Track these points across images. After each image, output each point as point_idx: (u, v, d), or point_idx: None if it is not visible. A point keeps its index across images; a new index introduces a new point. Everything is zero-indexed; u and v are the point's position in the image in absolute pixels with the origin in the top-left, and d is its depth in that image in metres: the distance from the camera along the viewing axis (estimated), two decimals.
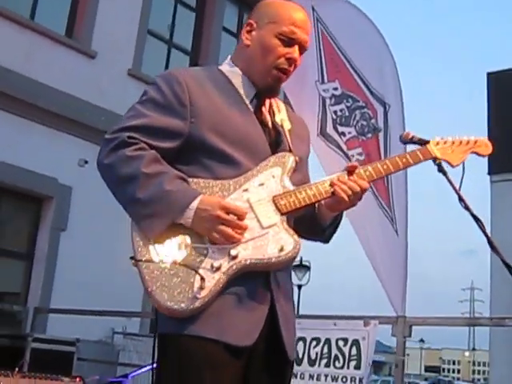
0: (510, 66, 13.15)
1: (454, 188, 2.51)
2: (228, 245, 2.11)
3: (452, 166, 2.49)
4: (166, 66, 11.47)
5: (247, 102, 2.35)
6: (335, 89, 4.56)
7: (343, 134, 4.53)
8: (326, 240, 2.56)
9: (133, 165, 2.14)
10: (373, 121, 4.50)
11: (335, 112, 4.54)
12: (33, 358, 6.21)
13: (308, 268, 21.74)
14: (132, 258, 2.11)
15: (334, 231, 2.52)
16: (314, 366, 4.52)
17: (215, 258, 2.11)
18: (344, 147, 4.50)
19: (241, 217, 2.13)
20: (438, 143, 2.49)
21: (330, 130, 4.54)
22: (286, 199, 2.22)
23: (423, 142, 2.52)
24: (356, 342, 4.36)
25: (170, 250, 2.09)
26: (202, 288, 2.06)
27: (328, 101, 4.54)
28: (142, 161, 2.15)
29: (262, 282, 2.20)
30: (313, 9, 4.54)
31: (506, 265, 2.44)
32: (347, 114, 4.53)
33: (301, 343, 4.60)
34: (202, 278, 2.05)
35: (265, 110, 2.40)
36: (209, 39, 11.91)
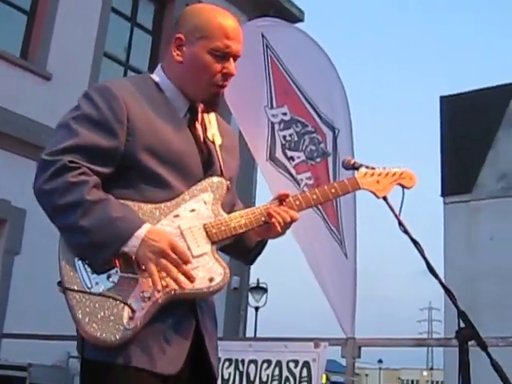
0: (462, 90, 13.46)
1: (394, 213, 2.58)
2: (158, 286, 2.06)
3: (377, 197, 2.53)
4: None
5: (181, 116, 2.32)
6: (284, 114, 4.61)
7: (292, 158, 4.59)
8: (250, 262, 2.59)
9: (76, 192, 2.07)
10: (322, 145, 4.57)
11: (284, 137, 4.60)
12: None
13: (265, 290, 21.75)
14: (59, 283, 2.07)
15: (259, 254, 2.54)
16: None
17: (145, 287, 2.08)
18: (293, 171, 4.55)
19: (180, 256, 2.09)
20: (365, 174, 2.54)
21: (279, 154, 4.59)
22: (217, 228, 2.23)
23: (359, 167, 2.59)
24: (306, 364, 4.39)
25: (101, 277, 2.07)
26: (131, 318, 2.04)
27: (277, 126, 4.59)
28: (86, 187, 2.08)
29: (188, 307, 2.21)
30: (262, 35, 4.60)
31: (446, 289, 2.51)
32: (296, 138, 4.59)
33: (252, 366, 4.61)
34: (132, 310, 2.04)
35: (198, 124, 2.37)
36: None
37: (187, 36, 2.27)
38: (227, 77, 2.31)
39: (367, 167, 2.60)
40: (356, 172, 2.59)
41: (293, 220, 2.34)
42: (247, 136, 4.64)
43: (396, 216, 2.57)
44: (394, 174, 2.58)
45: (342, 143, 4.58)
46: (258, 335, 19.43)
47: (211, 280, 2.16)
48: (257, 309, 21.32)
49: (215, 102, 2.36)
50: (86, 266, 2.09)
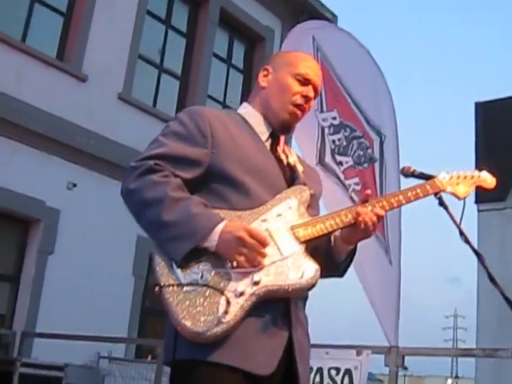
0: (498, 96, 13.32)
1: (455, 222, 2.54)
2: (250, 269, 2.13)
3: (459, 199, 2.57)
4: (156, 91, 11.50)
5: (263, 139, 2.44)
6: (334, 118, 4.59)
7: (341, 163, 4.57)
8: (341, 274, 2.59)
9: (159, 189, 2.18)
10: (369, 151, 4.53)
11: (333, 141, 4.58)
12: (21, 382, 6.13)
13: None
14: (156, 285, 2.11)
15: (349, 265, 2.55)
16: None
17: (238, 282, 2.12)
18: (341, 176, 4.53)
19: (263, 242, 2.16)
20: (444, 177, 2.57)
21: (328, 159, 4.58)
22: (303, 229, 2.27)
23: (426, 177, 2.58)
24: (348, 372, 4.35)
25: (194, 275, 2.12)
26: (226, 312, 2.07)
27: (327, 130, 4.58)
28: (169, 185, 2.19)
29: (281, 310, 2.22)
30: (313, 38, 4.59)
31: (507, 300, 2.45)
32: (345, 143, 4.57)
33: None
34: (228, 302, 2.06)
35: (280, 149, 2.48)
36: (199, 64, 11.94)
37: (274, 66, 2.53)
38: (307, 99, 2.47)
39: (428, 175, 2.59)
40: (400, 178, 2.60)
41: (379, 217, 2.36)
42: (298, 140, 4.63)
43: (457, 225, 2.54)
44: (472, 176, 2.63)
45: (388, 149, 4.55)
46: None
47: (302, 276, 2.17)
48: None
49: (292, 123, 2.49)
50: (176, 266, 2.15)
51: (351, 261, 2.55)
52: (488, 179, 2.66)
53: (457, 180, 2.59)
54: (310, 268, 2.20)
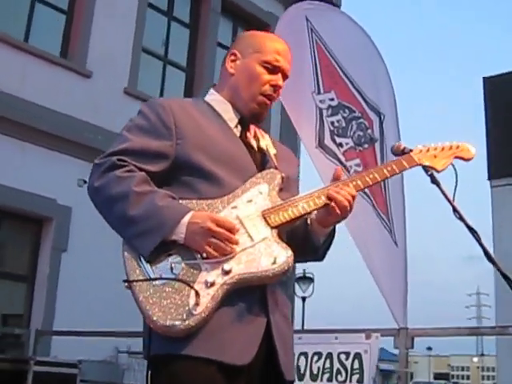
0: (506, 70, 13.15)
1: (448, 199, 2.49)
2: (220, 259, 2.09)
3: (437, 171, 2.49)
4: (162, 83, 11.48)
5: (231, 126, 2.40)
6: (331, 99, 4.53)
7: (341, 144, 4.51)
8: (321, 258, 2.54)
9: (123, 184, 2.15)
10: (369, 131, 4.48)
11: (332, 123, 4.51)
12: (35, 381, 6.15)
13: (312, 280, 21.67)
14: (125, 280, 2.09)
15: (328, 248, 2.50)
16: (317, 381, 4.47)
17: (209, 273, 2.09)
18: (342, 158, 4.47)
19: (231, 230, 2.13)
20: (420, 151, 2.52)
21: (327, 141, 4.52)
22: (274, 213, 2.22)
23: (409, 151, 2.53)
24: (358, 356, 4.31)
25: (163, 268, 2.10)
26: (197, 304, 2.04)
27: (325, 112, 4.52)
28: (133, 180, 2.16)
29: (257, 298, 2.18)
30: (306, 19, 4.53)
31: (504, 276, 2.40)
32: (344, 124, 4.50)
33: (302, 358, 4.55)
34: (197, 294, 2.03)
35: (250, 135, 2.42)
36: (203, 55, 11.91)
37: (241, 51, 2.46)
38: (276, 88, 2.42)
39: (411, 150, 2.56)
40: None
41: (352, 196, 2.29)
42: (296, 123, 4.58)
43: (450, 202, 2.49)
44: (451, 147, 2.56)
45: (388, 128, 4.49)
46: (305, 326, 19.39)
47: (274, 262, 2.13)
48: (304, 299, 21.28)
49: (262, 113, 2.44)
50: (145, 261, 2.12)
51: (330, 243, 2.49)
52: (467, 149, 2.57)
53: (434, 152, 2.52)
54: (282, 253, 2.14)
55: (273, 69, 2.40)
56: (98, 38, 10.18)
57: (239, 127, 2.41)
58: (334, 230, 2.46)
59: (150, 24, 11.14)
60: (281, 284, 2.29)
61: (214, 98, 2.47)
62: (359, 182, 2.35)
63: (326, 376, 4.45)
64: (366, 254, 4.43)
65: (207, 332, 2.06)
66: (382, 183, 4.38)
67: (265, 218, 2.21)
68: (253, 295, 2.16)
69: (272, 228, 2.20)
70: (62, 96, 9.67)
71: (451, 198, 2.51)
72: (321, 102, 4.52)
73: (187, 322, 2.02)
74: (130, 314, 9.26)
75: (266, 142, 2.46)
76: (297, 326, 16.19)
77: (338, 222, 2.36)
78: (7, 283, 9.61)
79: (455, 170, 2.56)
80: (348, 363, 4.37)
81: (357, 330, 4.51)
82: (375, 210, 4.41)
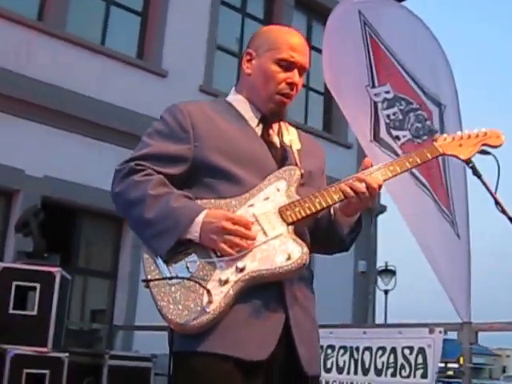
0: (506, 70, 12.66)
1: (490, 191, 2.44)
2: (234, 256, 2.11)
3: (462, 161, 2.44)
4: (238, 80, 11.51)
5: (253, 125, 2.41)
6: (387, 92, 4.46)
7: (398, 137, 4.44)
8: (347, 248, 2.53)
9: (140, 188, 2.21)
10: (428, 122, 4.39)
11: (388, 116, 4.45)
12: (110, 374, 6.33)
13: (394, 272, 21.43)
14: (144, 280, 2.14)
15: (355, 238, 2.49)
16: (381, 376, 4.44)
17: (223, 271, 2.11)
18: (399, 151, 4.39)
19: (246, 226, 2.15)
20: (445, 139, 2.45)
21: (383, 134, 4.45)
22: (290, 209, 2.22)
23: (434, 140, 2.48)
24: (422, 350, 4.26)
25: (179, 268, 2.14)
26: (210, 302, 2.06)
27: (380, 105, 4.45)
28: (149, 184, 2.21)
29: (274, 294, 2.18)
30: (359, 12, 4.47)
31: None
32: (401, 117, 4.43)
33: (367, 353, 4.53)
34: (209, 292, 2.06)
35: (272, 132, 2.43)
36: None
37: (256, 50, 2.44)
38: (292, 86, 2.39)
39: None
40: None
41: (370, 186, 2.25)
42: (350, 118, 4.55)
43: (492, 194, 2.45)
44: (477, 135, 2.46)
45: (449, 119, 4.39)
46: (388, 319, 19.17)
47: (288, 258, 2.12)
48: (386, 292, 21.08)
49: (280, 111, 2.43)
50: (162, 261, 2.16)
51: (357, 233, 2.47)
52: (495, 136, 2.46)
53: (459, 141, 2.45)
54: (296, 250, 2.14)
55: (288, 66, 2.38)
56: (173, 37, 10.35)
57: (261, 125, 2.41)
58: (359, 219, 2.44)
59: (224, 21, 11.24)
60: (301, 279, 2.29)
61: (235, 98, 2.48)
62: (379, 175, 2.31)
63: (390, 371, 4.42)
64: (424, 246, 4.35)
65: (224, 329, 2.08)
66: (443, 175, 4.32)
67: (281, 215, 2.22)
68: (270, 291, 2.16)
69: (288, 224, 2.20)
70: (138, 96, 9.88)
71: (493, 191, 2.46)
72: (376, 95, 4.46)
73: (200, 319, 2.05)
74: None
75: (290, 138, 2.46)
76: (379, 319, 16.04)
77: (359, 210, 2.36)
78: (92, 280, 9.95)
79: (497, 161, 2.47)
80: (412, 358, 4.32)
81: (420, 324, 4.45)
82: (436, 204, 4.33)
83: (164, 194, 2.20)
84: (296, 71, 2.40)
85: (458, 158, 2.42)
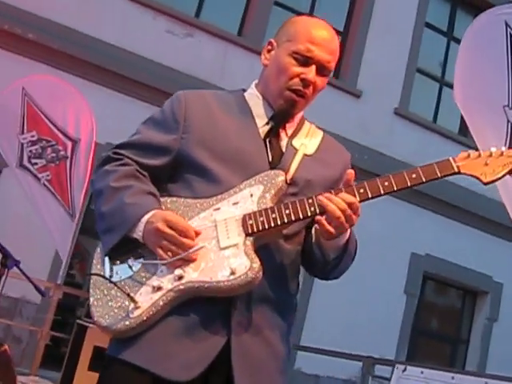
0: None
1: None
2: (178, 263, 1.93)
3: (482, 183, 1.94)
4: (437, 105, 11.14)
5: (260, 123, 2.16)
6: None
7: None
8: (328, 276, 2.16)
9: (105, 179, 2.08)
10: None
11: None
12: None
13: None
14: (87, 275, 2.04)
15: (339, 266, 2.08)
16: None
17: (160, 277, 1.94)
18: None
19: (183, 232, 1.94)
20: (468, 156, 1.97)
21: None
22: (254, 219, 1.96)
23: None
24: None
25: (122, 267, 2.01)
26: (136, 308, 1.91)
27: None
28: (114, 175, 2.07)
29: (220, 313, 1.94)
30: (506, 24, 4.03)
31: None
32: None
33: None
34: (130, 297, 1.92)
35: (284, 132, 2.18)
36: None
37: (278, 40, 2.20)
38: (306, 83, 2.11)
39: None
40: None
41: (349, 204, 1.89)
42: (477, 135, 4.12)
43: None
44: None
45: None
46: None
47: (232, 273, 1.88)
48: None
49: (288, 110, 2.16)
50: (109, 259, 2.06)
51: (344, 261, 2.06)
52: None
53: (487, 159, 1.94)
54: (243, 265, 1.88)
55: (304, 60, 2.10)
56: (371, 57, 10.19)
57: (271, 123, 2.16)
58: (346, 245, 2.03)
59: (427, 43, 10.88)
60: (267, 300, 2.01)
61: (250, 91, 2.25)
62: (367, 190, 1.94)
63: None
64: None
65: (149, 340, 1.91)
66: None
67: (243, 224, 1.97)
68: (215, 308, 1.93)
69: (246, 235, 1.95)
70: (332, 116, 9.80)
71: None
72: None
73: (120, 325, 1.92)
74: (379, 337, 9.10)
75: (303, 141, 2.18)
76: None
77: (336, 235, 1.95)
78: None
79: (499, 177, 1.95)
80: None
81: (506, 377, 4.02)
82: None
83: (123, 187, 2.05)
84: (313, 67, 2.11)
85: (477, 178, 1.95)
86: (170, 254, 1.94)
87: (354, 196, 1.92)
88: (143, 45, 8.63)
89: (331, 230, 1.91)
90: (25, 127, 6.12)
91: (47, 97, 6.14)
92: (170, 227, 1.94)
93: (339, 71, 10.25)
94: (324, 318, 9.11)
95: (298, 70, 2.11)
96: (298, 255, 2.12)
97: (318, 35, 2.13)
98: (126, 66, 8.43)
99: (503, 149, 1.97)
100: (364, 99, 10.16)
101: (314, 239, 2.08)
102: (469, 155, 1.97)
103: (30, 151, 6.08)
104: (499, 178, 1.94)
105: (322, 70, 2.13)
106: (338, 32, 10.19)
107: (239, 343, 1.94)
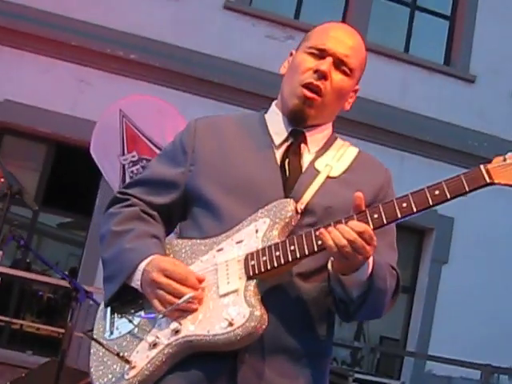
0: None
1: None
2: (176, 315, 1.72)
3: None
4: None
5: (277, 140, 1.94)
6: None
7: None
8: (351, 318, 1.83)
9: (108, 223, 1.93)
10: None
11: None
12: None
13: None
14: (84, 332, 1.84)
15: (365, 305, 1.76)
16: None
17: (156, 332, 1.74)
18: None
19: (181, 280, 1.73)
20: (504, 161, 1.66)
21: None
22: (256, 259, 1.72)
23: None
24: None
25: (122, 321, 1.82)
26: (133, 367, 1.71)
27: None
28: (117, 218, 1.91)
29: (225, 368, 1.70)
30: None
31: None
32: None
33: None
34: (123, 358, 1.72)
35: (306, 149, 1.94)
36: None
37: (297, 49, 2.02)
38: (319, 74, 1.88)
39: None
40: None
41: (361, 235, 1.62)
42: None
43: None
44: None
45: None
46: None
47: (230, 324, 1.64)
48: None
49: (302, 110, 1.91)
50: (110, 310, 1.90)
51: (372, 300, 1.75)
52: None
53: None
54: (242, 314, 1.64)
55: (319, 53, 1.91)
56: (481, 41, 9.71)
57: (290, 138, 1.94)
58: (371, 282, 1.72)
59: None
60: (283, 350, 1.75)
61: (271, 109, 2.04)
62: (382, 215, 1.66)
63: None
64: None
65: None
66: None
67: (245, 265, 1.73)
68: (220, 363, 1.70)
69: (248, 278, 1.71)
70: (444, 104, 9.45)
71: None
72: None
73: None
74: (502, 342, 8.52)
75: (327, 162, 1.91)
76: None
77: (348, 267, 1.68)
78: None
79: None
80: None
81: None
82: None
83: (125, 231, 1.87)
84: (329, 59, 1.89)
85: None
86: (168, 305, 1.75)
87: (367, 223, 1.66)
88: (244, 52, 8.60)
89: (344, 260, 1.67)
90: (125, 148, 6.15)
91: (144, 115, 6.17)
92: (167, 276, 1.75)
93: (450, 57, 9.90)
94: (451, 321, 8.73)
95: (312, 63, 1.92)
96: (325, 293, 1.83)
97: (335, 31, 1.97)
98: (228, 75, 8.41)
99: None
100: (478, 84, 9.69)
101: (331, 273, 1.78)
102: (504, 160, 1.67)
103: (132, 171, 6.04)
104: None
105: (339, 64, 1.92)
106: (445, 17, 9.84)
107: None
